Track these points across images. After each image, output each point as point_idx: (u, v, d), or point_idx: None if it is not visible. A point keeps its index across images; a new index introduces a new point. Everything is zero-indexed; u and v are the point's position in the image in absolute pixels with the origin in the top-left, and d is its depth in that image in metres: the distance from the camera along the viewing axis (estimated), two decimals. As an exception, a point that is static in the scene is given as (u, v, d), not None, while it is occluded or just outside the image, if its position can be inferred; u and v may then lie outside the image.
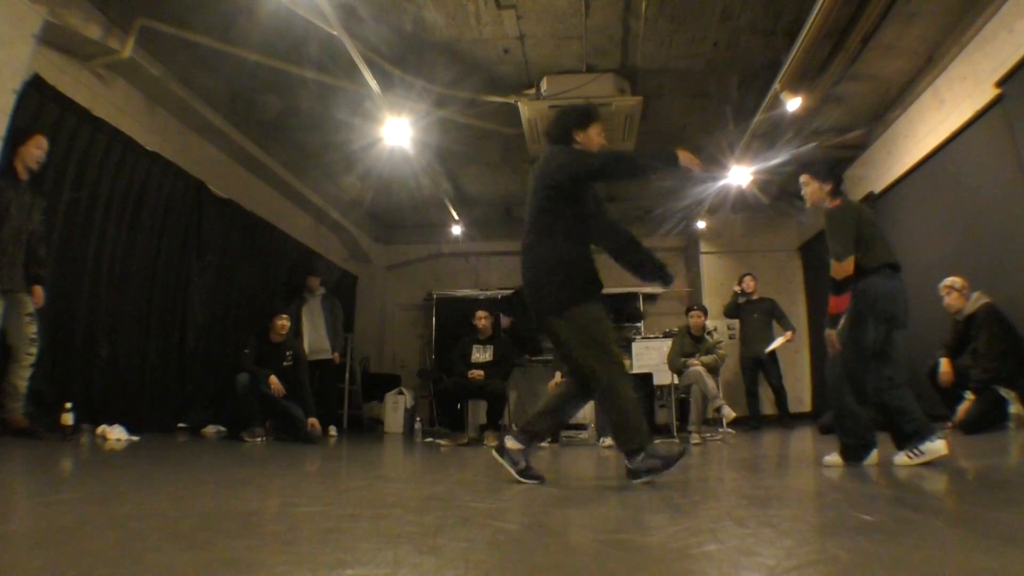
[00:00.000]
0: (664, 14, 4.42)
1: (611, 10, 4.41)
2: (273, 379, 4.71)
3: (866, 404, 2.81)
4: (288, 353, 5.02)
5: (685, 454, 2.46)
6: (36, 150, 3.46)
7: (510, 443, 2.47)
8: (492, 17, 4.45)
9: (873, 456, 2.76)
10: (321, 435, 4.90)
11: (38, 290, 3.48)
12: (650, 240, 8.98)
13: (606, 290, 2.53)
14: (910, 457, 2.65)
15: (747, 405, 6.74)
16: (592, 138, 2.61)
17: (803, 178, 3.14)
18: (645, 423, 2.34)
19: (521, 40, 4.73)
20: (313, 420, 4.74)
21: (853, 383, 2.80)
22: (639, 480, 2.28)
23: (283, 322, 5.07)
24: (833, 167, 3.31)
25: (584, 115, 2.64)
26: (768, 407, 6.91)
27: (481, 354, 5.38)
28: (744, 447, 4.39)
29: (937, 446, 2.61)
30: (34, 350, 3.41)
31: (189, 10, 4.30)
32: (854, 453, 2.78)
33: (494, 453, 2.51)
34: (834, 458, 2.83)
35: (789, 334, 6.55)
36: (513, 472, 2.41)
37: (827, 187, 3.11)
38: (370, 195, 7.77)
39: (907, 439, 2.70)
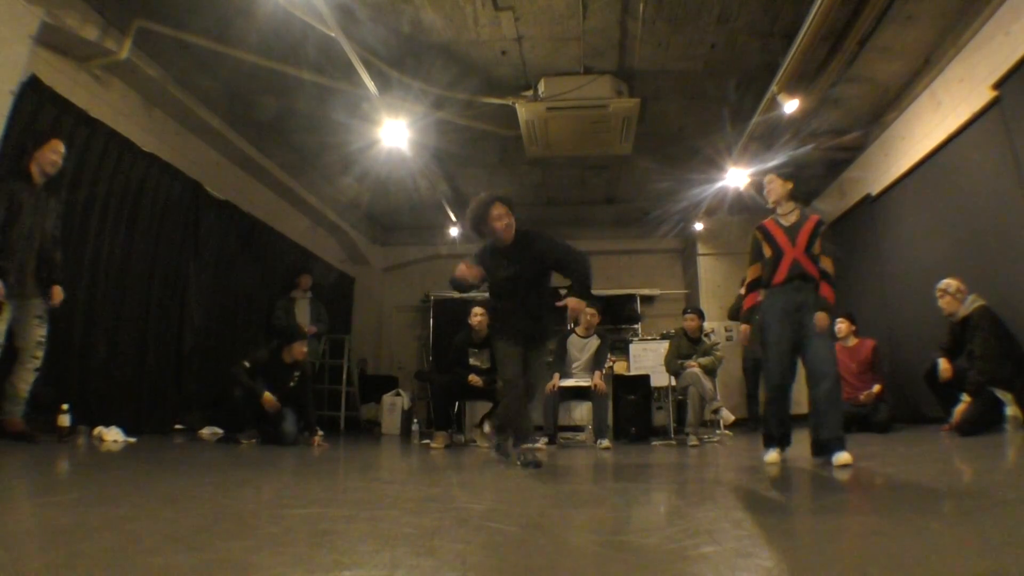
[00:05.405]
0: (662, 16, 4.43)
1: (609, 12, 4.42)
2: (268, 397, 4.56)
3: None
4: (296, 374, 4.88)
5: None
6: (52, 154, 3.43)
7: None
8: (490, 19, 4.45)
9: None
10: (321, 444, 4.71)
11: (57, 289, 3.43)
12: (648, 242, 9.01)
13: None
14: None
15: (747, 407, 6.73)
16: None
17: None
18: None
19: (519, 42, 4.73)
20: (316, 438, 4.60)
21: None
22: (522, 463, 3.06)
23: (303, 349, 4.91)
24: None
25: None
26: None
27: (477, 359, 5.34)
28: (742, 449, 4.39)
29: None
30: (40, 353, 3.37)
31: (186, 11, 4.29)
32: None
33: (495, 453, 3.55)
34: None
35: None
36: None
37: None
38: (368, 197, 7.77)
39: None
